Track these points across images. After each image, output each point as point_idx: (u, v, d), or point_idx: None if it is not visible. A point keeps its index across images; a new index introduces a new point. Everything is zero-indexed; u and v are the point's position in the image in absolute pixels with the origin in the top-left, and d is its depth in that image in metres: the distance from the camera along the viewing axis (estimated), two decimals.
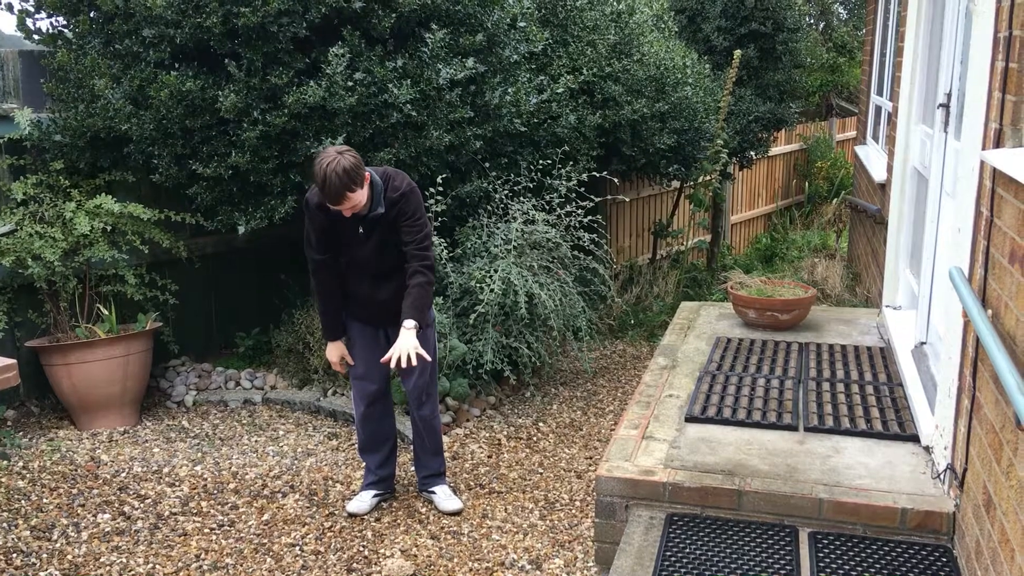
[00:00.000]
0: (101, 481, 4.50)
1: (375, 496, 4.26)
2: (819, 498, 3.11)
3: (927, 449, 3.46)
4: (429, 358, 3.76)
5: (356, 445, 4.91)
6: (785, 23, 9.16)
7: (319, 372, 5.67)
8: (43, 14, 5.32)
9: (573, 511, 4.28)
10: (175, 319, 5.81)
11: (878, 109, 7.84)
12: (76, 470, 4.61)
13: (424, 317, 3.81)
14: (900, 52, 5.53)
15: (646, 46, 7.26)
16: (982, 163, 2.85)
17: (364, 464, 4.35)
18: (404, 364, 3.62)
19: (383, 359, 3.70)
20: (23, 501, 4.24)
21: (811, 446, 3.55)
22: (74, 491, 4.37)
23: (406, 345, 3.65)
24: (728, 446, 3.57)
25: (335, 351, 4.11)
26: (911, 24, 5.00)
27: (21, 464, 4.62)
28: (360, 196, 3.64)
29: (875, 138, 7.99)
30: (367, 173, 3.68)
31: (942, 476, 3.17)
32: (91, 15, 5.12)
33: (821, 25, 15.99)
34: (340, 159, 3.52)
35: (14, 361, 3.73)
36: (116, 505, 4.26)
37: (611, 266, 7.44)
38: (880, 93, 7.70)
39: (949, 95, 4.04)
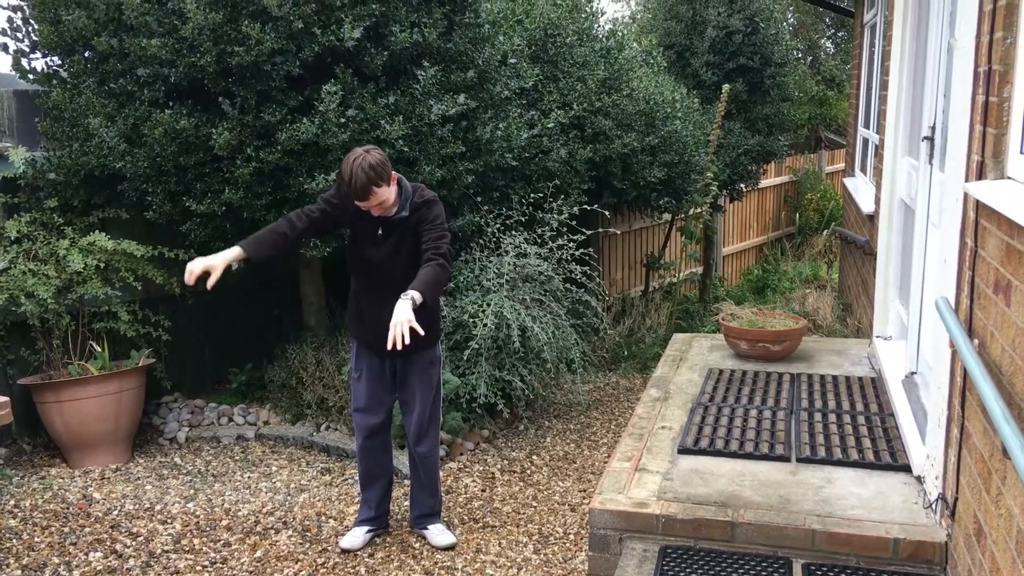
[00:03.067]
0: (93, 519, 4.47)
1: (368, 532, 4.25)
2: (812, 529, 3.12)
3: (919, 479, 3.48)
4: (422, 332, 3.45)
5: (350, 480, 4.91)
6: (772, 58, 9.29)
7: (312, 407, 5.66)
8: (38, 54, 5.37)
9: (567, 544, 4.27)
10: (168, 355, 5.81)
11: (865, 141, 7.93)
12: (68, 508, 4.58)
13: (431, 295, 3.59)
14: (885, 86, 5.62)
15: (635, 81, 7.36)
16: (966, 195, 2.89)
17: (358, 499, 4.33)
18: (399, 345, 3.37)
19: (387, 348, 3.42)
20: (14, 540, 4.21)
21: (804, 477, 3.56)
22: (66, 529, 4.34)
23: (400, 318, 3.41)
24: (721, 478, 3.57)
25: (212, 260, 3.69)
26: (895, 59, 5.09)
27: (12, 503, 4.59)
28: (387, 193, 3.70)
29: (863, 170, 8.07)
30: (395, 174, 3.75)
31: (934, 506, 3.18)
32: (86, 55, 5.18)
33: (809, 59, 16.19)
34: (367, 156, 3.60)
35: (7, 399, 3.73)
36: (108, 543, 4.23)
37: (603, 298, 7.46)
38: (867, 126, 7.80)
39: (933, 128, 4.10)
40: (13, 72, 5.40)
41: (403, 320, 3.40)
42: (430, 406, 4.09)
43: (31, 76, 5.38)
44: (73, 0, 4.97)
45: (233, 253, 3.73)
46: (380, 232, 3.84)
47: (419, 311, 3.52)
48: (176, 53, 4.79)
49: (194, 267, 3.65)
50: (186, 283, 3.68)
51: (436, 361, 4.09)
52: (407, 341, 3.39)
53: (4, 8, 5.35)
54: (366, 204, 3.70)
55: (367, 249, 3.89)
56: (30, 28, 5.31)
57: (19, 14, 5.31)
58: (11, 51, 5.33)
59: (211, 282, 3.68)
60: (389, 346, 3.39)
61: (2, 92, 5.66)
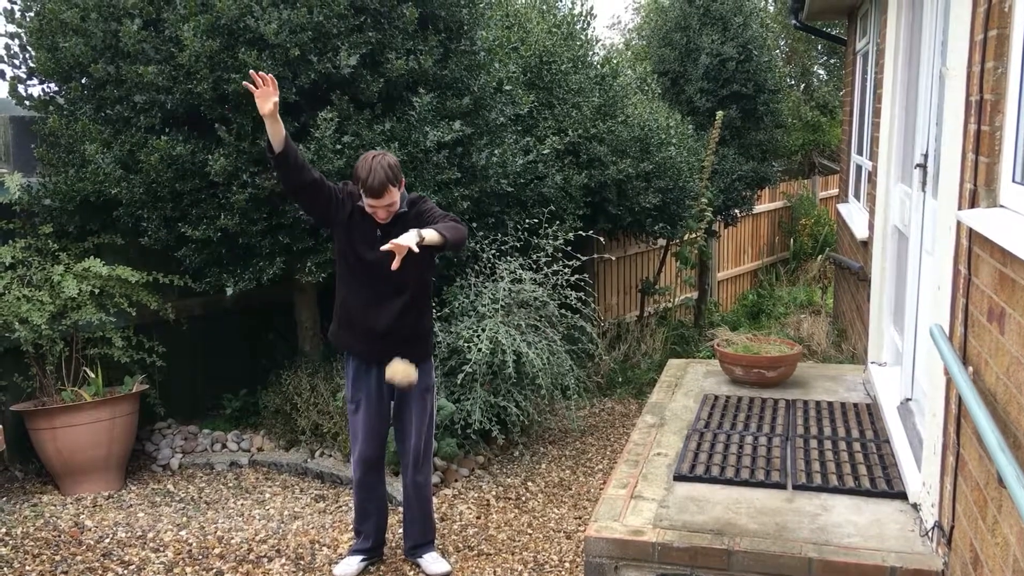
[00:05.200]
0: (85, 547, 4.43)
1: (363, 560, 4.21)
2: (808, 557, 3.10)
3: (915, 506, 3.47)
4: (417, 249, 3.51)
5: (344, 507, 4.88)
6: (766, 85, 9.37)
7: (306, 433, 5.64)
8: (35, 80, 5.39)
9: (563, 572, 4.24)
10: (162, 381, 5.78)
11: (859, 168, 7.97)
12: (59, 536, 4.54)
13: (447, 236, 3.63)
14: (878, 113, 5.66)
15: (630, 108, 7.41)
16: (958, 222, 2.91)
17: (352, 527, 4.30)
18: (397, 259, 3.49)
19: (383, 247, 3.53)
20: (5, 568, 4.17)
21: (800, 504, 3.55)
22: (57, 558, 4.30)
23: (404, 239, 3.48)
24: (717, 505, 3.56)
25: (275, 108, 3.63)
26: (887, 86, 5.13)
27: (4, 530, 4.55)
28: (397, 196, 3.79)
29: (856, 196, 8.11)
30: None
31: (930, 533, 3.17)
32: (83, 82, 5.19)
33: (802, 86, 16.32)
34: (384, 156, 3.72)
35: None
36: (99, 572, 4.19)
37: (599, 324, 7.47)
38: (860, 152, 7.84)
39: (926, 156, 4.13)
40: (10, 98, 5.41)
41: (408, 241, 3.48)
42: (425, 434, 4.08)
43: (28, 102, 5.40)
44: (70, 27, 4.99)
45: (280, 130, 3.63)
46: (379, 233, 3.86)
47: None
48: (173, 80, 4.81)
49: (272, 83, 3.59)
50: (250, 84, 3.59)
51: (430, 388, 4.09)
52: (403, 252, 3.47)
53: (1, 35, 5.37)
54: (378, 202, 3.73)
55: (364, 251, 3.88)
56: (27, 55, 5.33)
57: (16, 41, 5.34)
58: (8, 77, 5.34)
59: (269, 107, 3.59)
60: (386, 248, 3.49)
61: None
